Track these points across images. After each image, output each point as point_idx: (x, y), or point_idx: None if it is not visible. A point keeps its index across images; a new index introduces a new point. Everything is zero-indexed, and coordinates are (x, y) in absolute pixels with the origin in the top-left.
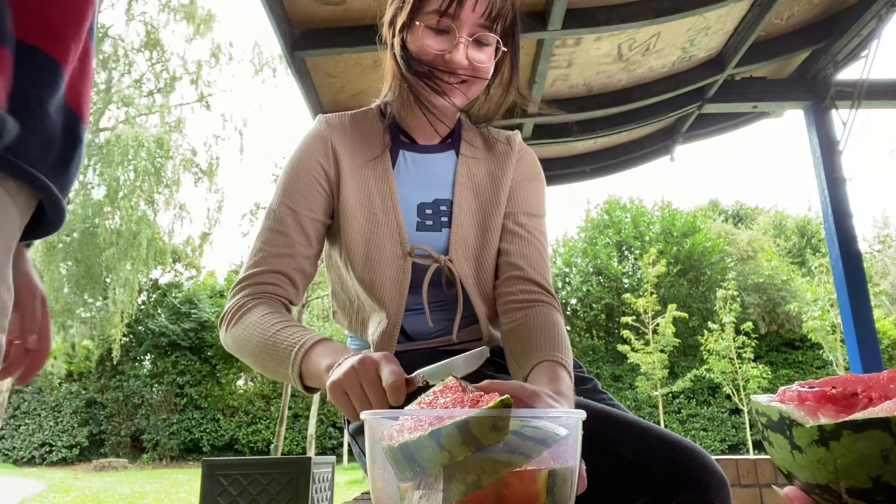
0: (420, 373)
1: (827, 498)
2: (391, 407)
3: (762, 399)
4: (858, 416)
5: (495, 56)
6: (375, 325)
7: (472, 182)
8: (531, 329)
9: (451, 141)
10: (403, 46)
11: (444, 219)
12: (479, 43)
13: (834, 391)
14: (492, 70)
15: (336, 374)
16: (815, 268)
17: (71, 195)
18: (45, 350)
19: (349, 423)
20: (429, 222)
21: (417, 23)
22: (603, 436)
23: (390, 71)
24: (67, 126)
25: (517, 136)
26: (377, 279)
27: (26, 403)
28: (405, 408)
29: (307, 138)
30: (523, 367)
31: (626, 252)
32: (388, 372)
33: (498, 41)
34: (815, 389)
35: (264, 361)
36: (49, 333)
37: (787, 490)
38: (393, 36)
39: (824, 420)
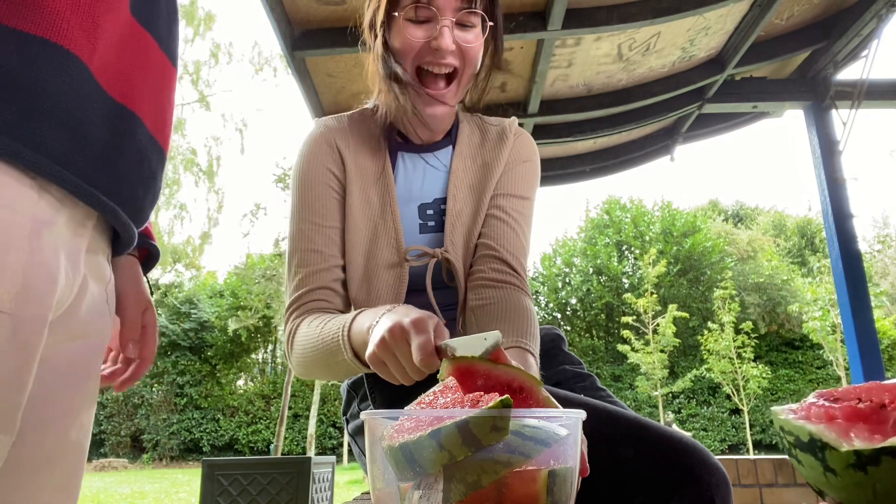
0: (447, 343)
1: None
2: (428, 374)
3: (789, 417)
4: None
5: (483, 33)
6: None
7: (468, 175)
8: (502, 311)
9: (449, 136)
10: (386, 47)
11: (444, 218)
12: (463, 25)
13: (862, 406)
14: (481, 50)
15: (371, 346)
16: (816, 268)
17: None
18: (145, 359)
19: (349, 422)
20: (431, 223)
21: (396, 15)
22: (602, 433)
23: (375, 75)
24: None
25: (514, 122)
26: (373, 290)
27: None
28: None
29: (311, 145)
30: None
31: (626, 252)
32: (416, 347)
33: (483, 17)
34: (841, 404)
35: (326, 363)
36: (152, 344)
37: None
38: (374, 38)
39: (859, 443)
